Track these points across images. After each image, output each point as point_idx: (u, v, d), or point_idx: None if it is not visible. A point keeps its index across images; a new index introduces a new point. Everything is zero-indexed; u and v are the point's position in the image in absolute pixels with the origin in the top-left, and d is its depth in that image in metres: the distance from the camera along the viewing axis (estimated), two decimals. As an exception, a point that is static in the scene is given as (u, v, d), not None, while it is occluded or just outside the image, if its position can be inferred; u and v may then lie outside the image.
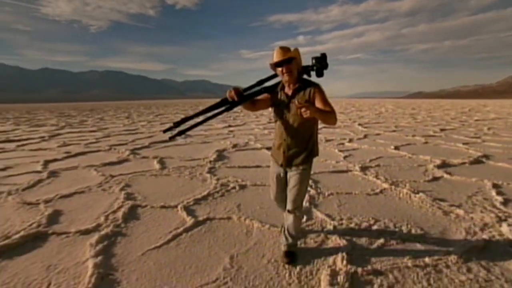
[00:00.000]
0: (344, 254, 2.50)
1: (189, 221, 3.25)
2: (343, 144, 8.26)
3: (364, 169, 5.40)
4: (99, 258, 2.52)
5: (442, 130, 11.47)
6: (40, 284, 2.21)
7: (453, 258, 2.45)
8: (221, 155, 6.87)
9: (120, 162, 6.39)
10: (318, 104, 2.14)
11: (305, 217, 3.27)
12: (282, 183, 2.49)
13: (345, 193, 4.11)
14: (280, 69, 2.22)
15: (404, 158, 6.39)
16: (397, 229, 3.00)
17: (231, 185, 4.50)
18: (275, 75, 2.36)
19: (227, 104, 2.30)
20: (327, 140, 8.83)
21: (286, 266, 2.38)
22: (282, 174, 2.45)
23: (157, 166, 5.90)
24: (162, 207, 3.71)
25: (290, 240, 2.48)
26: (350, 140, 8.83)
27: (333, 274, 2.24)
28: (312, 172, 5.21)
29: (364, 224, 3.11)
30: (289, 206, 2.40)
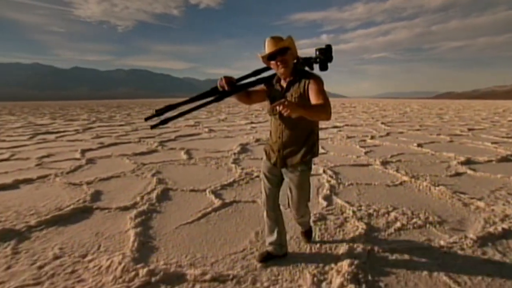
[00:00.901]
0: (362, 234, 2.67)
1: (217, 203, 3.52)
2: (364, 140, 8.28)
3: (384, 163, 5.47)
4: (139, 229, 2.85)
5: (470, 129, 11.12)
6: (92, 246, 2.55)
7: (468, 242, 2.56)
8: (244, 148, 7.14)
9: (149, 152, 6.82)
10: (311, 97, 1.89)
11: (325, 203, 3.46)
12: (275, 178, 2.23)
13: (364, 184, 4.24)
14: (273, 62, 1.99)
15: (427, 155, 6.36)
16: (414, 216, 3.11)
17: (255, 174, 4.74)
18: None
19: (216, 94, 2.10)
20: (348, 137, 8.87)
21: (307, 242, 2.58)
22: (274, 171, 2.21)
23: (184, 156, 6.26)
24: (192, 190, 4.01)
25: (307, 226, 2.57)
26: (372, 137, 8.83)
27: (351, 249, 2.42)
28: (332, 165, 5.32)
29: (382, 211, 3.24)
30: (294, 215, 2.33)
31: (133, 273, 2.12)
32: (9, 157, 6.34)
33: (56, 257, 2.37)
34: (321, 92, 1.87)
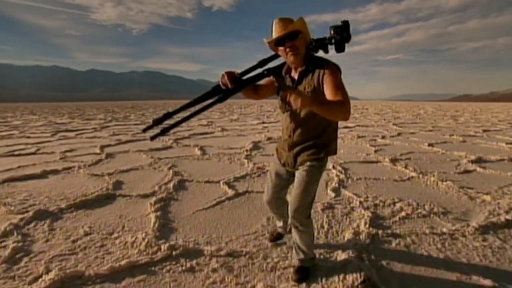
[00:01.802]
0: (367, 221, 2.83)
1: (230, 192, 3.73)
2: (375, 140, 8.35)
3: (393, 161, 5.56)
4: (159, 213, 3.09)
5: (485, 131, 10.97)
6: (117, 226, 2.81)
7: (470, 229, 2.67)
8: (256, 146, 7.34)
9: (165, 148, 7.12)
10: (327, 91, 1.61)
11: (333, 194, 3.61)
12: (282, 179, 2.04)
13: (373, 178, 4.37)
14: (282, 48, 1.71)
15: (437, 153, 6.40)
16: (419, 207, 3.23)
17: (267, 168, 4.93)
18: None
19: (220, 93, 1.86)
20: (359, 137, 8.94)
21: (316, 226, 2.74)
22: (284, 173, 2.01)
23: (198, 152, 6.51)
24: (206, 182, 4.24)
25: (301, 255, 1.98)
26: (383, 137, 8.88)
27: (356, 233, 2.58)
28: (342, 161, 5.45)
29: (388, 202, 3.38)
30: (290, 213, 1.90)
31: (155, 247, 2.35)
32: (35, 151, 6.76)
33: (86, 234, 2.63)
34: (339, 86, 1.59)
